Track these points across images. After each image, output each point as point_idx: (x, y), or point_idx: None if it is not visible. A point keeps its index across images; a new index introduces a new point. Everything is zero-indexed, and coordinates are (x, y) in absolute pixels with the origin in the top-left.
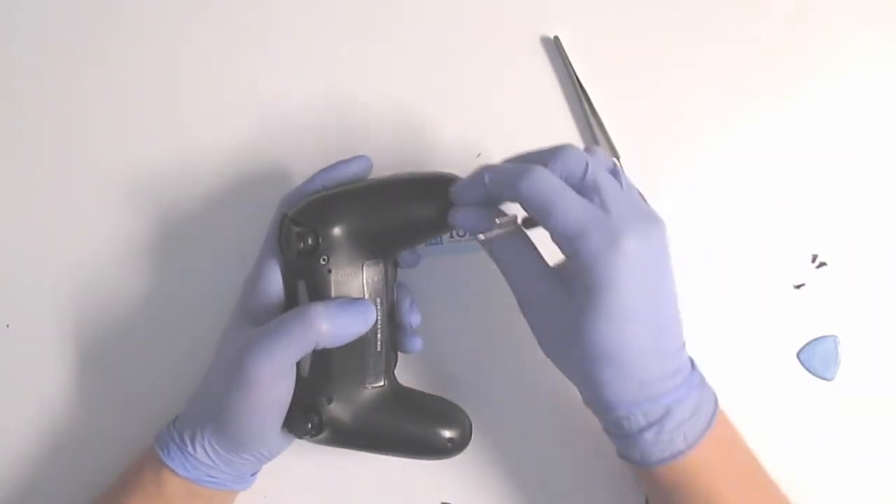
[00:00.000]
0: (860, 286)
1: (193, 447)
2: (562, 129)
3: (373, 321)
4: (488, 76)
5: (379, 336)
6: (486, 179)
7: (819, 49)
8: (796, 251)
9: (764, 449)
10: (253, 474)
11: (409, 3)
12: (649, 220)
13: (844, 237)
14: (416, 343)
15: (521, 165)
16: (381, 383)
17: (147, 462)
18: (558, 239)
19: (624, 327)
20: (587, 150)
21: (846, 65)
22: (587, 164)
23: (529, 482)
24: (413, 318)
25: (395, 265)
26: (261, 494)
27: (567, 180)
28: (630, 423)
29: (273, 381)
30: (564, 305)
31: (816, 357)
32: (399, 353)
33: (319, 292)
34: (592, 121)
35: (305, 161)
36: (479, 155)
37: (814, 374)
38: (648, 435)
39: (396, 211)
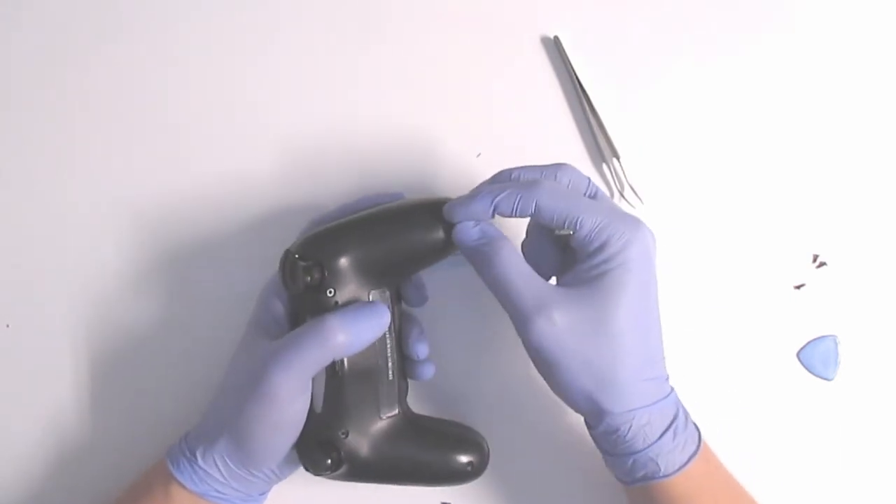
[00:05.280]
0: (860, 286)
1: (204, 461)
2: (562, 129)
3: (387, 324)
4: (489, 76)
5: (390, 364)
6: (492, 201)
7: (818, 52)
8: (796, 251)
9: (764, 449)
10: (262, 493)
11: (409, 4)
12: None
13: (844, 237)
14: (428, 370)
15: (527, 182)
16: (396, 412)
17: (157, 476)
18: (585, 236)
19: (637, 313)
20: (564, 167)
21: (848, 69)
22: (589, 179)
23: (529, 483)
24: (420, 349)
25: (400, 297)
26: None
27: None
28: (652, 429)
29: (291, 396)
30: (582, 306)
31: (816, 357)
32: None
33: None
34: (592, 121)
35: (311, 168)
36: (479, 155)
37: (814, 374)
38: (668, 437)
39: (398, 238)
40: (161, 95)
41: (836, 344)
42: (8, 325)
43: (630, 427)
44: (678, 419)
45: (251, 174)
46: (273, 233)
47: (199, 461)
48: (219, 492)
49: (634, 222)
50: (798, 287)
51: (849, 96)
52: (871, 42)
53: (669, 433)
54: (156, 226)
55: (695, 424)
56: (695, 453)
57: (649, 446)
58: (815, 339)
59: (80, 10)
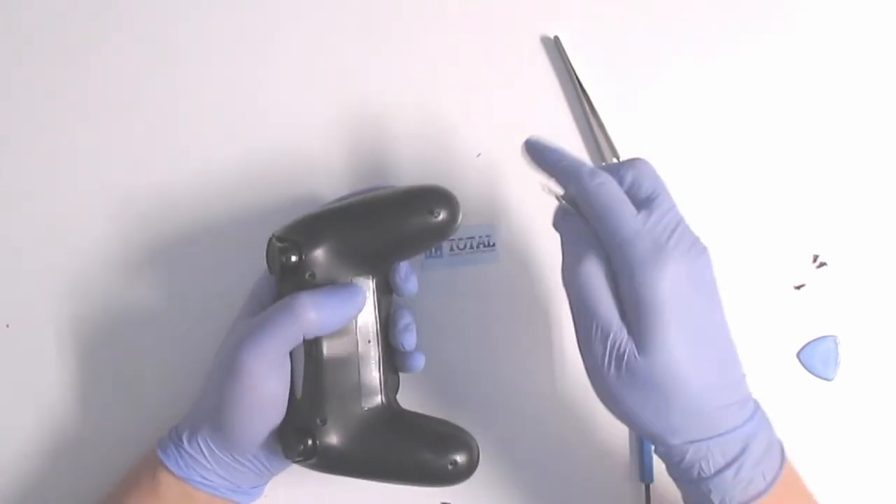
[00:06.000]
0: (860, 286)
1: (190, 444)
2: (562, 129)
3: (361, 305)
4: (488, 76)
5: (373, 353)
6: (559, 165)
7: (818, 52)
8: (796, 251)
9: None
10: (254, 487)
11: (409, 4)
12: (695, 245)
13: (844, 237)
14: (416, 362)
15: (592, 167)
16: (379, 404)
17: (147, 462)
18: (606, 243)
19: (680, 347)
20: (637, 163)
21: (848, 69)
22: (657, 181)
23: (529, 483)
24: (407, 340)
25: (388, 286)
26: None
27: (631, 187)
28: (708, 464)
29: (264, 373)
30: (627, 336)
31: (816, 357)
32: (400, 376)
33: None
34: (592, 121)
35: (310, 166)
36: (479, 155)
37: (814, 374)
38: (728, 474)
39: (380, 224)
40: (159, 94)
41: (836, 344)
42: (8, 325)
43: (681, 461)
44: (747, 455)
45: (249, 171)
46: (269, 230)
47: (185, 444)
48: (204, 478)
49: (659, 252)
50: (798, 287)
51: (849, 96)
52: (871, 42)
53: (731, 470)
54: (156, 224)
55: (781, 463)
56: (762, 492)
57: (704, 479)
58: (815, 339)
59: (80, 10)
